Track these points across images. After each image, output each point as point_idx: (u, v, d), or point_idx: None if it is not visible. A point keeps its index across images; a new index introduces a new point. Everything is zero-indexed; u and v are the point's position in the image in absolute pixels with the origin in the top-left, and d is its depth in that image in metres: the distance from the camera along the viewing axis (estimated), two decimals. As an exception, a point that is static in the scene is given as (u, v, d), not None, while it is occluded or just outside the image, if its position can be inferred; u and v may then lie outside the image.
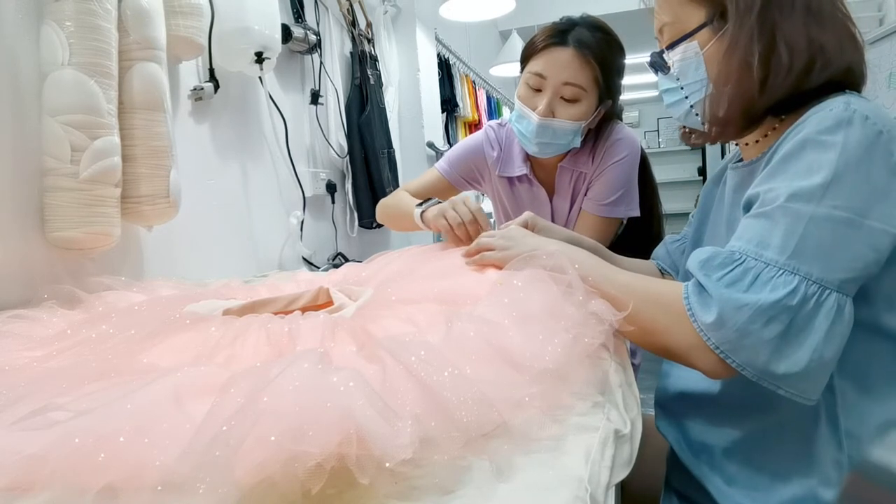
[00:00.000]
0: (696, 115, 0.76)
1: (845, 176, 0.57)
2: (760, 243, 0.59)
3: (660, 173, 1.44)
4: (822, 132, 0.59)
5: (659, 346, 0.65)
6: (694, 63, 0.73)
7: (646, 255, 1.02)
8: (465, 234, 0.95)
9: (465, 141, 1.39)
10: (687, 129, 0.84)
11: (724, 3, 0.69)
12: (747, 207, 0.65)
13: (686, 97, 0.76)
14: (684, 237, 0.95)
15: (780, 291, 0.55)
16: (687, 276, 0.69)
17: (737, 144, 0.78)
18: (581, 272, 0.68)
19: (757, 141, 0.74)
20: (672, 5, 0.75)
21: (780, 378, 0.56)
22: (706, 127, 0.74)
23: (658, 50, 0.79)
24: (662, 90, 0.80)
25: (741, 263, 0.59)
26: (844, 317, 0.57)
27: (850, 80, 0.67)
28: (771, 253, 0.58)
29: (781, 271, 0.57)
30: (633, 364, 1.06)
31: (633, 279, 0.69)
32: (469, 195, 1.12)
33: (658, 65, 0.79)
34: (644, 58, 0.86)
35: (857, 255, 0.57)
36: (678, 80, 0.76)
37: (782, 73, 0.65)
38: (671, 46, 0.75)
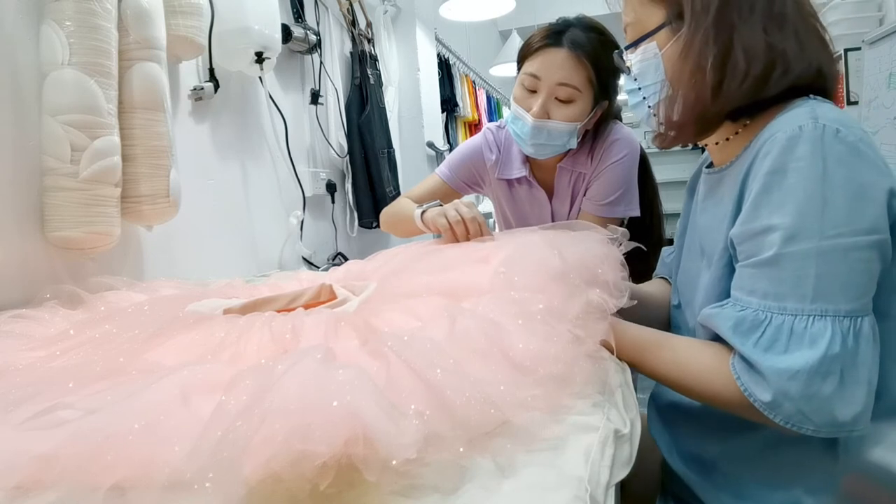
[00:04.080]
0: (655, 115, 0.74)
1: (837, 200, 0.55)
2: (777, 295, 0.57)
3: (659, 173, 1.44)
4: (799, 157, 0.57)
5: (717, 407, 0.64)
6: (653, 64, 0.71)
7: (646, 255, 1.02)
8: (464, 232, 0.96)
9: (464, 144, 1.39)
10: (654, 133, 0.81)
11: (682, 3, 0.67)
12: (733, 244, 0.63)
13: (644, 98, 0.75)
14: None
15: (820, 343, 0.54)
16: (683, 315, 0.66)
17: (705, 146, 0.76)
18: (621, 347, 0.67)
19: (727, 139, 0.71)
20: (633, 5, 0.73)
21: (850, 423, 0.54)
22: (663, 129, 0.72)
23: (618, 51, 0.77)
24: (626, 90, 0.79)
25: (769, 322, 0.57)
26: (877, 333, 0.56)
27: (819, 82, 0.65)
28: (793, 302, 0.56)
29: (811, 318, 0.55)
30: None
31: (685, 352, 0.67)
32: (470, 198, 1.13)
33: (619, 65, 0.77)
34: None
35: (872, 272, 0.56)
36: (636, 80, 0.74)
37: (738, 78, 0.63)
38: (630, 47, 0.73)
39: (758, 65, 0.63)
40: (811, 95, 0.64)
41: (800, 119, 0.59)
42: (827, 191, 0.55)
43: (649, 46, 0.71)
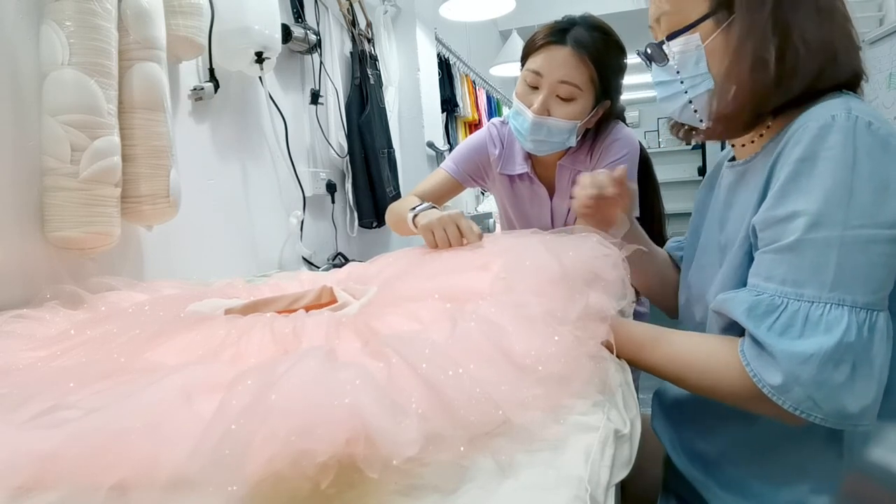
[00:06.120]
0: (695, 110, 0.74)
1: (863, 191, 0.55)
2: (796, 281, 0.57)
3: (660, 173, 1.44)
4: (830, 146, 0.57)
5: (718, 399, 0.64)
6: (695, 56, 0.71)
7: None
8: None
9: (468, 139, 1.40)
10: (678, 124, 0.81)
11: None
12: (755, 232, 0.63)
13: (685, 91, 0.74)
14: (682, 243, 0.94)
15: (835, 331, 0.54)
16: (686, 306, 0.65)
17: (732, 146, 0.77)
18: (624, 337, 0.67)
19: (752, 141, 0.72)
20: None
21: (857, 416, 0.54)
22: (707, 123, 0.72)
23: (657, 41, 0.76)
24: (656, 82, 0.78)
25: (784, 308, 0.57)
26: (891, 331, 0.56)
27: (854, 80, 0.66)
28: (811, 290, 0.56)
29: (828, 306, 0.55)
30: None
31: (684, 345, 0.67)
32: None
33: (655, 56, 0.76)
34: (644, 58, 0.85)
35: (891, 267, 0.56)
36: (678, 72, 0.73)
37: (799, 70, 0.63)
38: (671, 37, 0.73)
39: (817, 57, 0.63)
40: (843, 91, 0.65)
41: (833, 109, 0.59)
42: (855, 181, 0.56)
43: (691, 38, 0.71)
